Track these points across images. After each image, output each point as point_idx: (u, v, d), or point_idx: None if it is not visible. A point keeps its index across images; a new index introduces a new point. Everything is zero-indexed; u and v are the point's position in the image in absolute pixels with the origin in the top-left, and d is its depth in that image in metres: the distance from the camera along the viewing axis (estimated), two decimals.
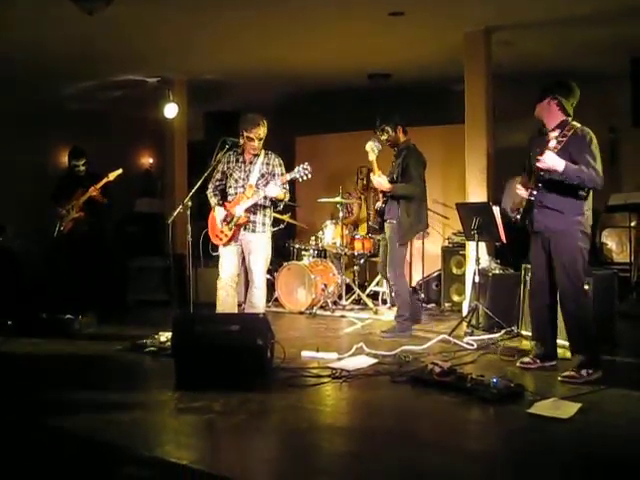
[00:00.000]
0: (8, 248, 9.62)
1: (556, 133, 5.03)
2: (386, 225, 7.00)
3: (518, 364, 5.44)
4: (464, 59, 8.02)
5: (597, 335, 5.15)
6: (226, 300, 6.33)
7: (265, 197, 6.20)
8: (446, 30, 7.73)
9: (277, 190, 6.14)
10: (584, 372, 4.96)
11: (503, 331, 6.76)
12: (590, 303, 5.23)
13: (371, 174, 6.99)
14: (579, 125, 5.09)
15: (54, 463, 3.89)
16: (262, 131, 6.20)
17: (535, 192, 5.12)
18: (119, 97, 11.11)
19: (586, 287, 5.28)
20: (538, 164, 4.93)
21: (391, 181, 6.88)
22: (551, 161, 4.86)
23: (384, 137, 6.99)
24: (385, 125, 6.95)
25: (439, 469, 3.54)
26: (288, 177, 6.19)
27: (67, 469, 3.82)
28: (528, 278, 6.53)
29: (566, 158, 4.88)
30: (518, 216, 5.32)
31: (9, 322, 7.58)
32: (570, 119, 5.15)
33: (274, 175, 6.27)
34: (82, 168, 8.60)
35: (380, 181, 6.84)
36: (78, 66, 9.05)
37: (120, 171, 8.47)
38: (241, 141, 6.26)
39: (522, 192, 5.22)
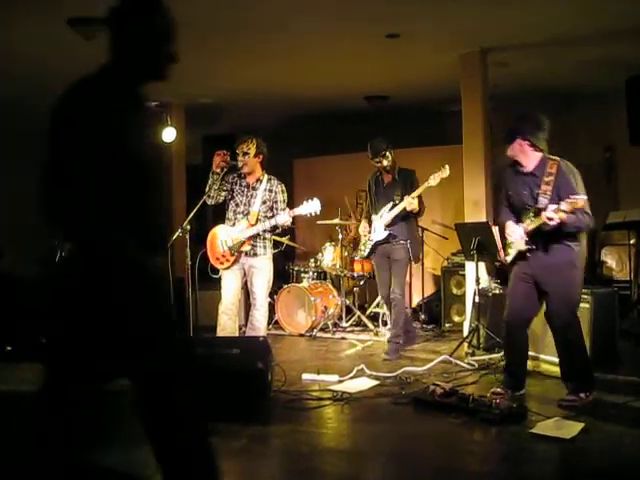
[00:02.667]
0: (7, 272, 9.60)
1: (544, 177, 4.90)
2: (392, 246, 6.97)
3: (489, 394, 5.13)
4: (460, 80, 8.05)
5: (589, 356, 5.12)
6: (227, 324, 6.30)
7: (273, 226, 6.24)
8: (442, 51, 7.77)
9: (284, 220, 6.19)
10: (582, 395, 4.90)
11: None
12: (579, 322, 5.14)
13: (409, 197, 6.84)
14: (558, 159, 4.95)
15: None
16: (246, 147, 6.20)
17: (529, 240, 4.99)
18: None
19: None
20: (550, 222, 4.69)
21: (394, 204, 6.89)
22: (558, 219, 4.67)
23: (386, 163, 6.98)
24: (384, 152, 6.94)
25: None
26: (296, 212, 6.21)
27: None
28: None
29: (555, 199, 4.79)
30: (509, 259, 5.22)
31: (9, 347, 7.55)
32: (546, 154, 5.02)
33: (276, 202, 6.27)
34: None
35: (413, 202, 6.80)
36: None
37: None
38: (238, 164, 6.26)
39: (516, 237, 5.07)
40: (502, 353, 6.63)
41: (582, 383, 4.97)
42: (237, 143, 6.30)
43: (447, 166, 6.73)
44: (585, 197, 4.67)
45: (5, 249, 9.83)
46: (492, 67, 7.99)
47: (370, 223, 7.18)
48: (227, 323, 6.29)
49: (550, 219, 4.66)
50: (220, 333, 6.31)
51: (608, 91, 9.04)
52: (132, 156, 2.55)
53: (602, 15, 6.63)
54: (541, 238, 4.94)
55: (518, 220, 5.10)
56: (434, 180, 6.68)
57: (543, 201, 4.87)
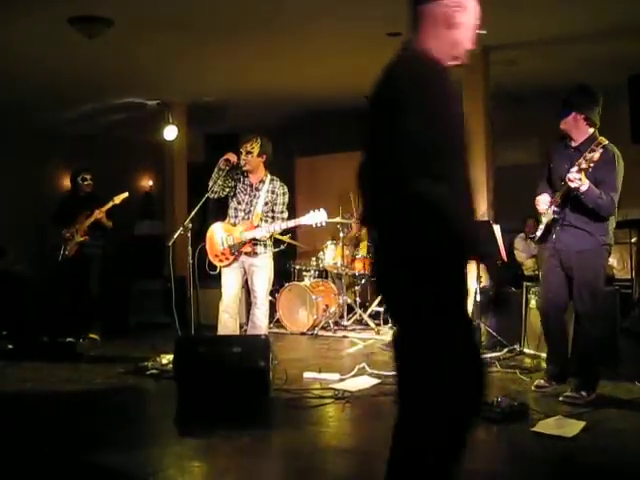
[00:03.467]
0: (9, 272, 9.62)
1: (587, 152, 4.78)
2: None
3: (533, 388, 5.28)
4: (462, 79, 8.04)
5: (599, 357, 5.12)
6: (228, 322, 6.28)
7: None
8: None
9: (283, 229, 6.24)
10: (584, 393, 4.89)
11: (506, 349, 6.74)
12: (602, 317, 5.11)
13: None
14: (607, 142, 4.86)
15: None
16: (250, 146, 6.18)
17: (557, 209, 4.98)
18: (119, 120, 11.16)
19: None
20: (571, 183, 4.72)
21: None
22: (578, 180, 4.70)
23: None
24: None
25: None
26: (301, 222, 6.20)
27: None
28: (531, 297, 6.52)
29: (591, 178, 4.75)
30: (538, 233, 5.17)
31: (10, 346, 7.56)
32: (597, 132, 4.96)
33: (276, 204, 6.25)
34: (90, 182, 8.53)
35: None
36: (78, 89, 9.10)
37: (126, 194, 8.46)
38: (241, 162, 6.24)
39: (542, 207, 5.05)
40: (504, 351, 6.67)
41: (586, 381, 4.97)
42: (241, 142, 6.29)
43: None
44: (617, 185, 4.77)
45: (7, 248, 9.84)
46: (494, 65, 7.98)
47: None
48: (228, 321, 6.28)
49: (571, 180, 4.67)
50: (221, 332, 6.29)
51: (610, 89, 9.00)
52: (460, 129, 2.60)
53: (604, 13, 6.64)
54: (570, 211, 4.93)
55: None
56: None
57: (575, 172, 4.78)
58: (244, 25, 6.86)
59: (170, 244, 6.62)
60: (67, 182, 11.97)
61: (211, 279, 6.63)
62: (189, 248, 6.34)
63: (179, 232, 6.36)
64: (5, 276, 9.56)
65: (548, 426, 4.33)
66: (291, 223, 6.21)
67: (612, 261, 8.90)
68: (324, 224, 6.20)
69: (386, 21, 6.85)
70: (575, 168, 4.71)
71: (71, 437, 4.49)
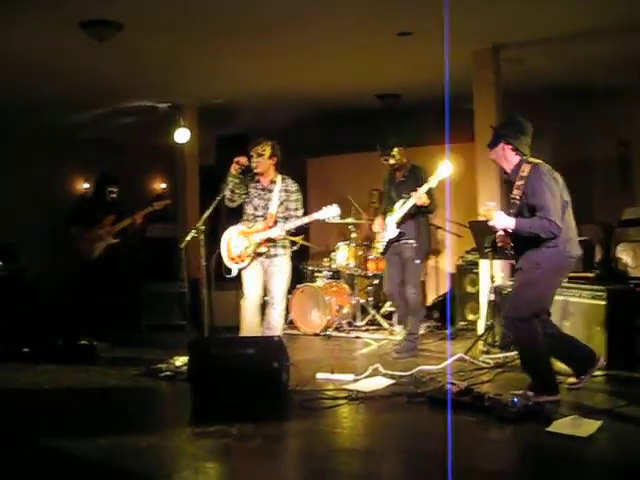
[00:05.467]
0: (22, 275, 9.66)
1: (517, 180, 4.98)
2: (401, 245, 6.96)
3: (566, 386, 5.28)
4: (473, 77, 8.02)
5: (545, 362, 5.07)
6: (252, 320, 6.32)
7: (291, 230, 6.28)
8: (454, 49, 7.73)
9: (297, 226, 6.23)
10: (531, 394, 4.86)
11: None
12: (527, 328, 5.03)
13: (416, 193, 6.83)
14: (533, 162, 5.00)
15: None
16: (261, 148, 6.23)
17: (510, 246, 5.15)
18: (130, 123, 11.19)
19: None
20: (491, 225, 5.01)
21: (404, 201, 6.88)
22: (502, 223, 4.94)
23: (392, 161, 6.99)
24: (390, 150, 6.94)
25: None
26: (315, 217, 6.21)
27: None
28: None
29: (525, 203, 4.92)
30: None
31: (25, 349, 7.61)
32: (526, 157, 5.05)
33: (290, 202, 6.28)
34: (115, 195, 8.67)
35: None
36: (88, 93, 9.12)
37: (168, 201, 8.67)
38: (252, 165, 6.27)
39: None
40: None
41: (535, 382, 5.01)
42: (252, 145, 6.32)
43: (448, 164, 6.69)
44: (543, 202, 4.80)
45: (20, 250, 9.89)
46: (505, 64, 7.95)
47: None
48: (251, 319, 6.32)
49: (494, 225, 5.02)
50: (244, 329, 6.33)
51: (621, 86, 8.98)
52: None
53: (616, 10, 6.59)
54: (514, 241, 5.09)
55: None
56: (434, 181, 6.67)
57: (514, 206, 4.99)
58: (253, 27, 6.86)
59: (182, 246, 6.65)
60: (80, 185, 12.10)
61: (226, 281, 6.65)
62: (202, 250, 6.35)
63: (192, 234, 6.38)
64: (19, 279, 9.61)
65: (563, 426, 4.31)
66: (305, 219, 6.24)
67: (626, 259, 8.84)
68: (338, 219, 6.23)
69: (396, 21, 6.86)
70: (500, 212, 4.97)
71: (85, 439, 4.49)
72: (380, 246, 7.21)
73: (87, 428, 4.79)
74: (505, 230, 4.98)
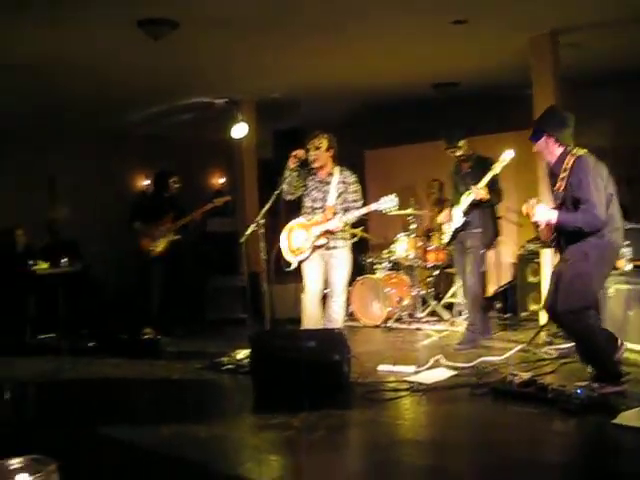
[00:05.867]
0: (86, 272, 9.88)
1: (561, 172, 4.93)
2: (466, 234, 6.94)
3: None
4: (531, 63, 7.91)
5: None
6: (314, 313, 6.36)
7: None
8: (511, 35, 7.64)
9: (356, 217, 6.24)
10: (596, 385, 4.75)
11: None
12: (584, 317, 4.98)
13: (475, 187, 6.81)
14: (577, 153, 4.92)
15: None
16: (318, 141, 6.26)
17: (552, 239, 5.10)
18: (189, 119, 11.32)
19: None
20: (534, 220, 4.97)
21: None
22: (544, 216, 4.88)
23: (459, 153, 6.96)
24: (457, 142, 6.91)
25: None
26: (373, 208, 6.22)
27: None
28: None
29: (569, 195, 4.86)
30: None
31: (91, 344, 7.80)
32: (570, 148, 4.98)
33: (349, 193, 6.29)
34: (178, 185, 8.85)
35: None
36: (147, 91, 9.27)
37: (228, 198, 8.79)
38: (310, 158, 6.30)
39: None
40: None
41: (598, 373, 4.90)
42: (309, 138, 6.35)
43: (511, 151, 6.63)
44: (587, 195, 4.73)
45: (84, 247, 10.10)
46: (563, 49, 7.81)
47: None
48: (314, 312, 6.36)
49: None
50: (306, 322, 6.36)
51: None
52: None
53: None
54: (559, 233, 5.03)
55: None
56: (500, 165, 6.64)
57: (558, 198, 4.96)
58: (309, 21, 6.87)
59: (243, 241, 6.71)
60: (140, 181, 12.30)
61: (286, 274, 6.69)
62: (262, 244, 6.41)
63: (252, 229, 6.44)
64: (83, 275, 9.83)
65: (630, 418, 4.22)
66: (363, 210, 6.24)
67: None
68: (396, 209, 6.21)
69: (450, 9, 6.80)
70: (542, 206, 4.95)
71: (149, 429, 4.59)
72: (446, 237, 7.20)
73: (151, 419, 4.91)
74: (548, 223, 4.91)
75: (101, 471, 3.98)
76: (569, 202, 4.89)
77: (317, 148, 6.25)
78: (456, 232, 7.05)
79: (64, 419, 5.10)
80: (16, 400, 5.94)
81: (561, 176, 4.91)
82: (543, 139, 5.04)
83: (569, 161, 4.89)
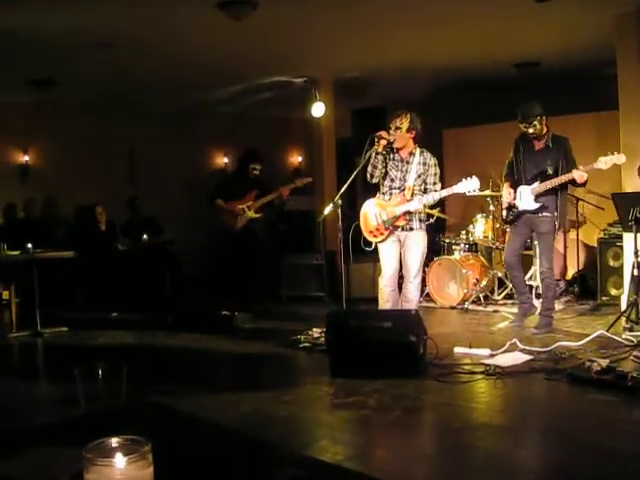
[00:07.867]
0: (167, 247, 10.12)
1: None
2: (538, 218, 6.79)
3: None
4: (616, 42, 7.70)
5: None
6: (391, 296, 6.37)
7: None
8: (595, 13, 7.45)
9: (436, 199, 6.28)
10: None
11: None
12: None
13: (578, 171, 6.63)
14: None
15: (209, 459, 4.08)
16: (399, 121, 6.21)
17: None
18: (268, 98, 11.42)
19: None
20: None
21: (545, 173, 6.70)
22: None
23: (531, 130, 6.78)
24: (533, 118, 6.75)
25: (595, 471, 3.46)
26: (454, 190, 6.20)
27: (221, 466, 4.00)
28: None
29: None
30: None
31: (169, 318, 8.00)
32: None
33: (428, 176, 6.28)
34: (257, 172, 8.96)
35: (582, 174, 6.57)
36: (228, 71, 9.40)
37: (309, 179, 8.92)
38: (390, 138, 6.27)
39: None
40: None
41: None
42: (391, 117, 6.34)
43: (623, 156, 6.46)
44: None
45: (164, 224, 10.33)
46: None
47: (514, 188, 6.98)
48: (390, 294, 6.38)
49: None
50: (383, 305, 6.40)
51: None
52: None
53: None
54: None
55: None
56: (605, 164, 6.41)
57: None
58: (388, 1, 6.84)
59: (320, 220, 6.78)
60: (220, 159, 12.50)
61: (363, 254, 6.73)
62: (339, 224, 6.46)
63: (330, 209, 6.49)
64: (164, 250, 10.07)
65: None
66: (444, 192, 6.23)
67: None
68: (477, 192, 6.17)
69: None
70: None
71: (230, 409, 4.69)
72: (506, 214, 7.06)
73: (226, 398, 4.99)
74: None
75: (190, 453, 4.10)
76: None
77: (397, 128, 6.22)
78: (522, 213, 6.92)
79: (146, 392, 5.27)
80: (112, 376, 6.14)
81: None
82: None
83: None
